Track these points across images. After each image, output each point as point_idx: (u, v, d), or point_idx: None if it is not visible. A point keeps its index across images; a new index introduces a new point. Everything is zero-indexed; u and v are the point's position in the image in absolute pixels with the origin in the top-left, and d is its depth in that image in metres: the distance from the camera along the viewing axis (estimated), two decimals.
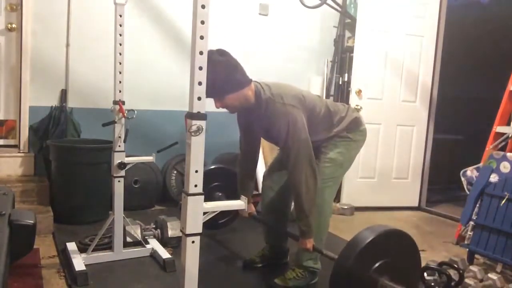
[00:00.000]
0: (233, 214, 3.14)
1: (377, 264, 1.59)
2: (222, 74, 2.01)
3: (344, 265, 1.58)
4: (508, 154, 3.07)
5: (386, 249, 1.64)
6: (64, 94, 3.64)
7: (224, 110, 2.21)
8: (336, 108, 2.42)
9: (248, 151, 2.56)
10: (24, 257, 2.12)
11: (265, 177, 2.66)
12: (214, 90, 1.99)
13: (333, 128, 2.37)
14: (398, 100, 4.25)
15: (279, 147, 2.46)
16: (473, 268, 2.60)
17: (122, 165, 2.47)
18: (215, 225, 3.06)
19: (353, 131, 2.41)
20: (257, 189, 4.04)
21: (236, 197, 2.58)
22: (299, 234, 2.24)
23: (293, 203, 2.29)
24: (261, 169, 3.95)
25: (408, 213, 4.27)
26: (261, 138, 2.58)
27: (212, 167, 3.12)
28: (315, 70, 4.64)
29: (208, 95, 2.04)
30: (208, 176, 2.63)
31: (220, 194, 2.88)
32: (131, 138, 2.51)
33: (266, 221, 2.66)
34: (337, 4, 4.30)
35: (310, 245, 2.20)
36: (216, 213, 1.59)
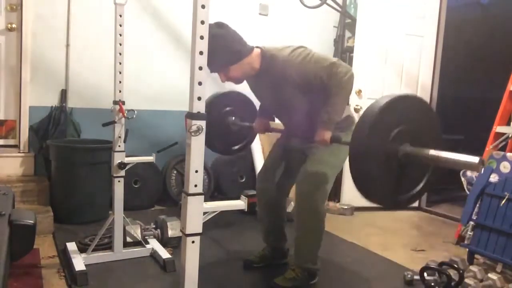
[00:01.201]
0: (248, 140, 2.85)
1: (394, 133, 1.45)
2: (223, 46, 2.01)
3: (360, 141, 1.44)
4: (508, 154, 3.07)
5: (400, 115, 1.49)
6: (64, 94, 3.64)
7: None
8: None
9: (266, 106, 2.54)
10: (24, 257, 2.12)
11: (259, 178, 2.62)
12: (217, 63, 2.00)
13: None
14: None
15: (288, 120, 2.44)
16: (473, 268, 2.60)
17: (122, 165, 2.47)
18: (228, 151, 2.87)
19: (346, 131, 2.35)
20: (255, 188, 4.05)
21: (250, 120, 2.57)
22: (319, 125, 2.14)
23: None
24: (258, 164, 3.95)
25: (408, 213, 4.27)
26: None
27: (223, 91, 2.79)
28: None
29: (212, 70, 2.06)
30: (220, 101, 2.58)
31: (233, 118, 2.68)
32: (131, 138, 2.51)
33: (263, 223, 2.65)
34: (337, 4, 4.30)
35: (328, 137, 2.09)
36: (216, 213, 1.59)
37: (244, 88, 2.42)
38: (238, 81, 2.23)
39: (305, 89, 2.16)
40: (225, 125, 2.59)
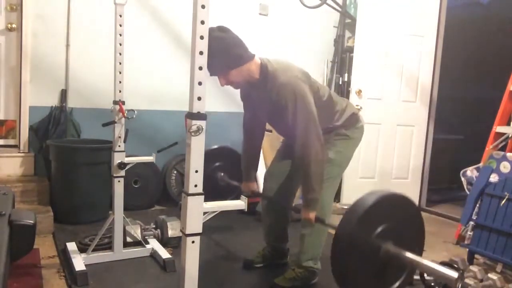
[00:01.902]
0: (236, 194, 2.85)
1: (379, 229, 1.50)
2: (224, 49, 2.01)
3: (345, 231, 1.49)
4: (508, 154, 3.07)
5: (388, 214, 1.54)
6: (64, 94, 3.64)
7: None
8: (337, 99, 2.40)
9: (252, 127, 2.53)
10: (24, 257, 2.12)
11: (265, 178, 2.65)
12: (217, 66, 1.99)
13: (332, 119, 2.34)
14: (398, 100, 4.25)
15: (280, 131, 2.46)
16: (473, 268, 2.60)
17: (122, 165, 2.47)
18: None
19: (351, 128, 2.39)
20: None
21: (238, 178, 2.62)
22: (303, 205, 2.18)
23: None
24: (261, 170, 3.95)
25: None
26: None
27: (215, 147, 3.00)
28: (315, 70, 4.63)
29: (211, 73, 2.06)
30: (211, 156, 2.63)
31: (222, 174, 2.81)
32: (131, 138, 2.51)
33: (265, 222, 2.67)
34: (337, 4, 4.30)
35: (313, 216, 2.14)
36: (216, 213, 1.59)
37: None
38: (237, 86, 2.23)
39: (287, 117, 2.15)
40: (214, 179, 2.71)
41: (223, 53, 2.01)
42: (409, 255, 1.46)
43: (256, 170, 2.64)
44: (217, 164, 2.81)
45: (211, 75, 2.05)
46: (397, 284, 1.57)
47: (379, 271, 1.53)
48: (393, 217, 1.55)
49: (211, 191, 2.59)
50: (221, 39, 2.00)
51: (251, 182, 2.59)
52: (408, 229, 1.58)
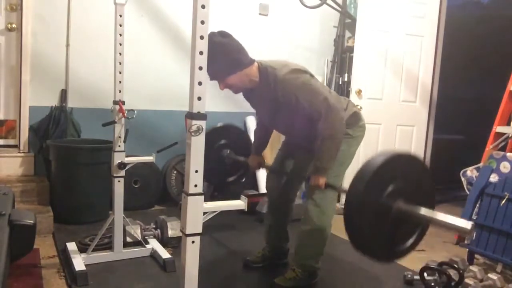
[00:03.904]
0: (243, 171, 2.95)
1: (389, 189, 1.50)
2: (223, 54, 2.02)
3: (355, 195, 1.49)
4: (508, 154, 3.07)
5: (397, 173, 1.54)
6: (64, 94, 3.64)
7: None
8: (338, 99, 2.40)
9: (263, 122, 2.59)
10: (24, 257, 2.12)
11: (267, 177, 2.67)
12: (216, 71, 2.00)
13: None
14: (398, 100, 4.25)
15: (283, 129, 2.49)
16: (473, 268, 2.60)
17: (122, 165, 2.47)
18: (224, 183, 2.93)
19: (353, 127, 2.39)
20: (256, 189, 4.05)
21: (244, 153, 2.63)
22: (312, 171, 2.20)
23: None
24: (262, 171, 3.95)
25: None
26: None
27: (219, 124, 2.90)
28: (315, 70, 4.62)
29: (212, 78, 2.06)
30: (215, 134, 2.64)
31: (228, 151, 2.75)
32: (131, 138, 2.51)
33: (268, 221, 2.68)
34: (337, 4, 4.30)
35: (323, 182, 2.16)
36: (216, 213, 1.59)
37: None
38: (236, 90, 2.24)
39: (300, 109, 2.17)
40: (220, 158, 2.66)
41: (224, 58, 2.02)
42: (421, 210, 1.46)
43: (265, 148, 2.67)
44: (222, 142, 2.74)
45: (211, 79, 2.05)
46: (411, 240, 1.57)
47: (393, 229, 1.52)
48: (402, 176, 1.53)
49: (219, 170, 2.65)
50: (222, 44, 2.01)
51: (258, 156, 2.61)
52: (418, 186, 1.57)
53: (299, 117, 2.20)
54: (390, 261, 1.65)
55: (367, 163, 1.52)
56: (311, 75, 2.25)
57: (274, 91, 2.16)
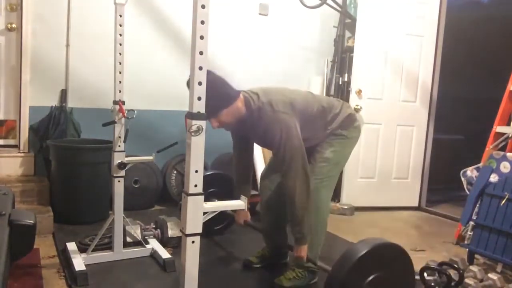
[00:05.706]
0: (229, 221, 3.14)
1: (370, 278, 1.56)
2: (213, 91, 2.00)
3: (337, 278, 1.55)
4: (508, 154, 3.07)
5: (379, 262, 1.61)
6: (64, 94, 3.64)
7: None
8: (331, 104, 2.41)
9: (241, 157, 2.58)
10: (24, 257, 2.12)
11: (263, 176, 2.66)
12: (209, 109, 1.99)
13: (327, 126, 2.36)
14: (398, 100, 4.25)
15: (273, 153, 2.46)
16: (473, 268, 2.60)
17: (122, 165, 2.47)
18: (210, 231, 3.04)
19: (348, 128, 2.40)
20: (256, 189, 4.05)
21: (232, 197, 2.61)
22: (294, 242, 2.24)
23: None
24: (260, 168, 3.96)
25: (408, 213, 4.27)
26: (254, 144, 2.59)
27: (208, 173, 3.11)
28: (315, 70, 4.64)
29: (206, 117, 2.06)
30: (204, 182, 2.65)
31: (216, 200, 2.85)
32: (131, 138, 2.51)
33: (263, 222, 2.67)
34: (337, 4, 4.30)
35: (304, 253, 2.21)
36: (216, 213, 1.59)
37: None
38: (228, 126, 2.23)
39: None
40: None
41: (214, 95, 2.00)
42: None
43: (249, 195, 2.62)
44: (210, 190, 2.87)
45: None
46: None
47: None
48: (384, 266, 1.60)
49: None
50: (209, 82, 2.00)
51: (244, 211, 2.61)
52: (399, 277, 1.65)
53: None
54: None
55: (353, 248, 1.60)
56: (295, 110, 2.21)
57: (258, 127, 2.19)
